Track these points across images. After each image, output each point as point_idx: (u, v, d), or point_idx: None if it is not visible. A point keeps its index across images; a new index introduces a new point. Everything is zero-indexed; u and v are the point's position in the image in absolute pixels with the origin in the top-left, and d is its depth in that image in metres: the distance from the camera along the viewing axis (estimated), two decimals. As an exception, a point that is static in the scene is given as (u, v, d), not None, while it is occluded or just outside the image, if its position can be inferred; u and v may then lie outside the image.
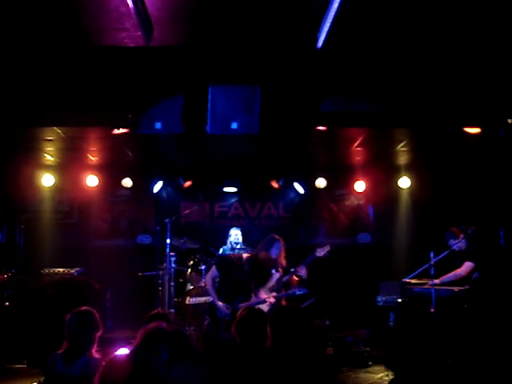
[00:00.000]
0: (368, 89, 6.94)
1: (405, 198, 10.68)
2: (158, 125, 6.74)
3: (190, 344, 2.28)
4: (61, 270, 9.50)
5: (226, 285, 7.16)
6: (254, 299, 6.98)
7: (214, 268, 7.22)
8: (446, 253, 7.33)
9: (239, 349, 4.15)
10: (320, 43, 5.30)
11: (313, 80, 6.68)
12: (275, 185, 10.72)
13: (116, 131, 7.50)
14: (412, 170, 10.41)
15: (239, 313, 4.41)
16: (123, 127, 7.29)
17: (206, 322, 7.55)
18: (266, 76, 6.49)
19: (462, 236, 7.45)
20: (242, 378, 3.67)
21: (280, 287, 7.33)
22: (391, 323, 8.83)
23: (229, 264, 7.23)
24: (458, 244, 7.44)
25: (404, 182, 10.50)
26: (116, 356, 3.61)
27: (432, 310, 7.05)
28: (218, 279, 7.26)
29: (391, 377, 3.34)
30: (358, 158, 9.90)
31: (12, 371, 8.16)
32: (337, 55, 6.17)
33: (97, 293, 8.62)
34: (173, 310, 8.88)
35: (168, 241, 9.28)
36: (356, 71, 6.62)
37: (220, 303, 6.98)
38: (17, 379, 7.75)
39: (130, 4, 4.52)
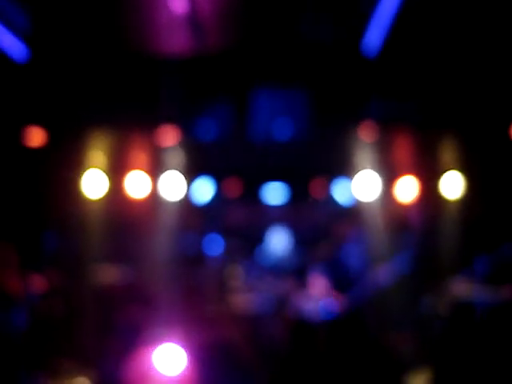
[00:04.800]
0: (416, 92, 6.93)
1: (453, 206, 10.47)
2: (208, 131, 6.82)
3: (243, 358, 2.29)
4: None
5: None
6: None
7: (319, 267, 7.16)
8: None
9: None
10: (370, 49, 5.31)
11: (361, 79, 6.68)
12: (321, 190, 10.69)
13: (166, 142, 7.60)
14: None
15: (289, 323, 4.39)
16: (172, 137, 7.38)
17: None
18: (315, 80, 6.51)
19: None
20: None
21: None
22: (435, 329, 8.69)
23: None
24: None
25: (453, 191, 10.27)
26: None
27: (478, 318, 6.90)
28: None
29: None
30: (407, 164, 9.79)
31: (60, 370, 8.28)
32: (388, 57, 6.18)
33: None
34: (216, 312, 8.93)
35: (215, 244, 9.33)
36: (405, 74, 6.62)
37: (336, 298, 6.92)
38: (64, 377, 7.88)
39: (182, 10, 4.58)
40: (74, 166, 9.74)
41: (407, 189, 10.33)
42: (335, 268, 7.02)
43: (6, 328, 4.53)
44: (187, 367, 3.90)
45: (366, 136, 8.35)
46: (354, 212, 10.32)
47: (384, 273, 7.13)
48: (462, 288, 7.41)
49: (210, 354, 2.09)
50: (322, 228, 10.88)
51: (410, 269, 7.10)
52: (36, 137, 7.69)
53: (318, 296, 7.15)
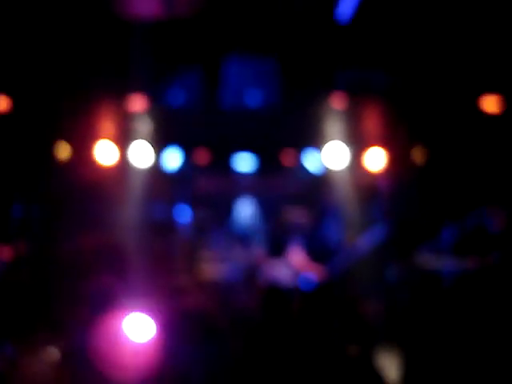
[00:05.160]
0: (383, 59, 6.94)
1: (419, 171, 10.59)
2: (177, 97, 6.72)
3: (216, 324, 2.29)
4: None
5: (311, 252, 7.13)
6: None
7: (296, 238, 7.14)
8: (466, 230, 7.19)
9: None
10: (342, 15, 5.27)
11: (333, 48, 6.65)
12: (290, 159, 10.69)
13: (134, 107, 7.50)
14: (428, 142, 10.33)
15: (262, 290, 4.42)
16: (141, 101, 7.28)
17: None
18: (286, 47, 6.46)
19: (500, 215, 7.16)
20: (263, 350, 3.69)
21: None
22: (403, 300, 8.81)
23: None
24: (495, 223, 7.15)
25: (419, 155, 10.41)
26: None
27: (444, 287, 7.00)
28: None
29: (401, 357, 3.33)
30: (376, 132, 9.84)
31: (30, 341, 8.24)
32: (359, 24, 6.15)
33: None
34: (188, 282, 8.94)
35: (184, 212, 9.34)
36: (377, 43, 6.60)
37: (313, 269, 6.91)
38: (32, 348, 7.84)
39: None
40: (41, 135, 9.60)
41: (376, 158, 10.41)
42: (313, 239, 7.06)
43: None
44: (157, 335, 3.89)
45: (336, 106, 8.35)
46: (325, 181, 10.40)
47: (360, 243, 7.19)
48: (428, 258, 7.51)
49: (181, 322, 2.09)
50: (293, 197, 10.94)
51: (382, 239, 7.16)
52: (1, 103, 7.51)
53: (295, 266, 7.21)
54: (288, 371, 3.53)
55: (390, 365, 5.68)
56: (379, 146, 10.41)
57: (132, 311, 5.70)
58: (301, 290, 6.61)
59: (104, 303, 4.60)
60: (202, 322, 2.24)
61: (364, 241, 7.10)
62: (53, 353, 7.07)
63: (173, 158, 10.53)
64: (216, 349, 2.19)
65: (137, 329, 4.39)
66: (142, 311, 5.68)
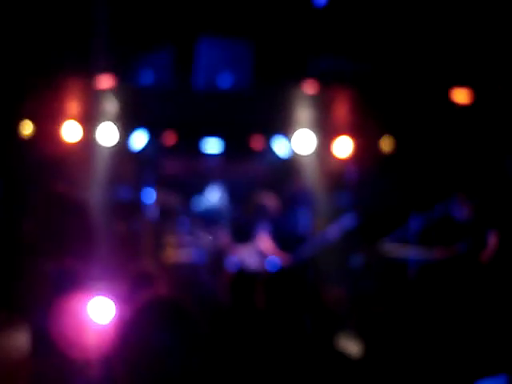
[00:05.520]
0: (354, 48, 6.91)
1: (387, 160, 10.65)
2: (147, 77, 6.59)
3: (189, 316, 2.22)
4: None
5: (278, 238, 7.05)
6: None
7: (263, 223, 7.05)
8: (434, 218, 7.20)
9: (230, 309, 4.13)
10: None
11: (306, 36, 6.59)
12: (258, 144, 10.65)
13: (102, 84, 7.33)
14: (397, 132, 10.39)
15: (230, 274, 4.38)
16: (109, 78, 7.12)
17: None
18: (261, 30, 6.38)
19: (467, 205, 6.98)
20: (233, 338, 3.65)
21: None
22: (364, 287, 8.84)
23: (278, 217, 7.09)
24: (462, 213, 7.04)
25: (387, 145, 10.47)
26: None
27: (409, 276, 7.03)
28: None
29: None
30: (344, 119, 9.85)
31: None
32: (332, 12, 6.10)
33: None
34: (152, 265, 8.86)
35: (150, 196, 9.25)
36: (347, 31, 6.56)
37: (280, 254, 6.87)
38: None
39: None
40: (4, 112, 9.38)
41: (344, 146, 10.43)
42: (280, 225, 7.02)
43: None
44: (121, 318, 3.83)
45: (306, 93, 8.31)
46: (293, 167, 10.38)
47: (327, 231, 7.17)
48: (394, 247, 7.54)
49: (149, 307, 2.03)
50: (260, 181, 10.90)
51: (349, 227, 7.17)
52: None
53: (261, 252, 7.17)
54: (255, 354, 3.50)
55: (351, 350, 5.69)
56: (347, 133, 10.45)
57: (95, 294, 5.61)
58: (266, 273, 6.61)
59: (66, 284, 4.51)
60: (172, 307, 2.16)
61: (331, 229, 7.10)
62: (14, 334, 6.95)
63: (139, 139, 10.38)
64: (186, 333, 2.12)
65: (99, 312, 4.34)
66: (105, 294, 5.59)
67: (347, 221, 7.14)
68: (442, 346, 5.62)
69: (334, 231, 6.95)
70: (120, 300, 4.27)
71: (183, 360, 2.13)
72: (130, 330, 2.21)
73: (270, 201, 7.78)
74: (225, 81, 6.51)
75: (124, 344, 2.17)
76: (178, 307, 2.24)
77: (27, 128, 10.01)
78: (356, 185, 10.53)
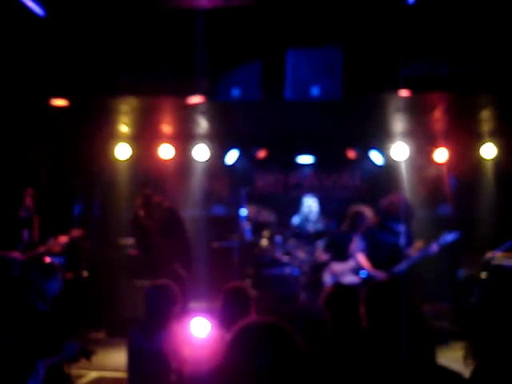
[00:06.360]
0: (452, 51, 6.57)
1: (489, 168, 10.17)
2: (236, 92, 6.53)
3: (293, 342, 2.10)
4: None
5: (376, 253, 6.83)
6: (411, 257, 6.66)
7: (360, 239, 6.88)
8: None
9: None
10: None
11: (397, 42, 6.34)
12: (352, 154, 10.43)
13: (192, 101, 7.35)
14: (497, 138, 9.90)
15: (328, 289, 4.21)
16: (199, 96, 7.13)
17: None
18: (349, 38, 6.19)
19: None
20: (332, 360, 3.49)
21: None
22: (474, 299, 8.45)
23: (375, 232, 6.87)
24: None
25: (488, 152, 9.99)
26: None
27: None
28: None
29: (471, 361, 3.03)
30: (441, 126, 9.49)
31: (90, 340, 8.26)
32: (423, 14, 5.85)
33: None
34: (248, 281, 8.80)
35: (243, 212, 9.23)
36: (441, 32, 6.26)
37: (376, 271, 6.68)
38: (95, 348, 7.80)
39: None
40: (100, 134, 9.67)
41: (442, 154, 10.05)
42: (378, 239, 6.74)
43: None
44: (216, 334, 3.84)
45: (400, 101, 8.01)
46: (388, 177, 10.09)
47: (428, 247, 6.80)
48: (502, 258, 7.17)
49: (247, 329, 1.95)
50: (355, 194, 10.66)
51: (451, 241, 6.80)
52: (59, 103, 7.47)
53: (359, 267, 6.94)
54: (357, 373, 3.30)
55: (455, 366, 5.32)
56: (445, 140, 10.06)
57: (193, 310, 5.58)
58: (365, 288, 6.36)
59: (163, 300, 4.50)
60: (272, 331, 2.07)
61: (433, 245, 6.74)
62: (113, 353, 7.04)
63: (231, 154, 10.42)
64: (286, 357, 2.01)
65: (197, 327, 4.37)
66: (202, 311, 5.54)
67: (450, 237, 6.77)
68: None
69: (435, 247, 6.61)
70: (215, 316, 4.22)
71: (279, 371, 2.02)
72: (231, 352, 2.13)
73: (366, 214, 7.54)
74: (315, 92, 6.36)
75: (224, 365, 2.10)
76: (278, 331, 2.14)
77: (125, 150, 10.27)
78: (456, 194, 10.12)
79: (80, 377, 6.38)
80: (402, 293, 3.09)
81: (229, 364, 2.08)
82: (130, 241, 9.42)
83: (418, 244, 7.06)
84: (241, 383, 2.04)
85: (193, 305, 8.60)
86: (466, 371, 3.01)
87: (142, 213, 8.39)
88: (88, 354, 4.39)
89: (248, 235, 9.24)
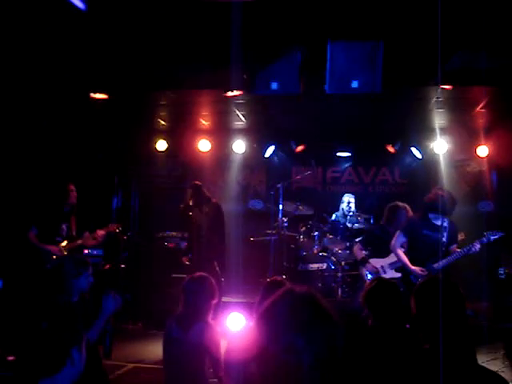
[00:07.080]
0: (496, 44, 6.40)
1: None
2: (274, 85, 6.47)
3: (323, 308, 2.04)
4: (174, 233, 9.54)
5: (416, 248, 6.72)
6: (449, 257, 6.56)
7: (400, 234, 6.80)
8: None
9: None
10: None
11: (438, 34, 6.21)
12: (391, 149, 10.29)
13: (230, 94, 7.33)
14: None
15: (368, 284, 4.15)
16: (237, 89, 7.10)
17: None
18: (389, 31, 6.08)
19: None
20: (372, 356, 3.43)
21: None
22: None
23: (417, 226, 6.76)
24: None
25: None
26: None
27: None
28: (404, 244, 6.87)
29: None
30: (482, 121, 9.29)
31: (127, 332, 8.34)
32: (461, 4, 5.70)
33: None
34: (284, 276, 8.76)
35: (280, 206, 9.19)
36: (483, 23, 6.10)
37: (414, 267, 6.59)
38: (132, 340, 7.92)
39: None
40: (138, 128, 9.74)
41: (481, 150, 9.86)
42: (417, 236, 6.61)
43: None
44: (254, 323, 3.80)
45: (440, 95, 7.86)
46: (428, 173, 9.93)
47: (469, 246, 6.63)
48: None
49: (282, 307, 1.91)
50: (394, 190, 10.54)
51: (492, 240, 6.61)
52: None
53: (398, 263, 6.85)
54: (393, 369, 3.24)
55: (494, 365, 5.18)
56: (485, 136, 9.86)
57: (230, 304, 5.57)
58: (406, 284, 6.28)
59: (199, 293, 4.50)
60: (307, 301, 2.01)
61: (474, 244, 6.56)
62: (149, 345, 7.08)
63: (269, 148, 10.38)
64: (323, 335, 1.94)
65: (234, 320, 4.38)
66: (239, 305, 5.53)
67: (494, 236, 6.58)
68: None
69: (478, 246, 6.44)
70: (254, 309, 4.20)
71: (318, 359, 1.96)
72: (264, 325, 2.08)
73: (405, 211, 7.41)
74: (355, 85, 6.26)
75: (259, 340, 2.05)
76: (313, 301, 2.07)
77: (161, 144, 10.33)
78: (498, 191, 9.93)
79: (118, 368, 6.43)
80: (453, 290, 3.01)
81: (263, 337, 2.03)
82: (168, 233, 9.49)
83: (461, 236, 6.92)
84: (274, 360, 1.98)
85: (229, 298, 8.63)
86: (505, 371, 2.94)
87: (191, 203, 8.44)
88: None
89: (285, 230, 9.20)
